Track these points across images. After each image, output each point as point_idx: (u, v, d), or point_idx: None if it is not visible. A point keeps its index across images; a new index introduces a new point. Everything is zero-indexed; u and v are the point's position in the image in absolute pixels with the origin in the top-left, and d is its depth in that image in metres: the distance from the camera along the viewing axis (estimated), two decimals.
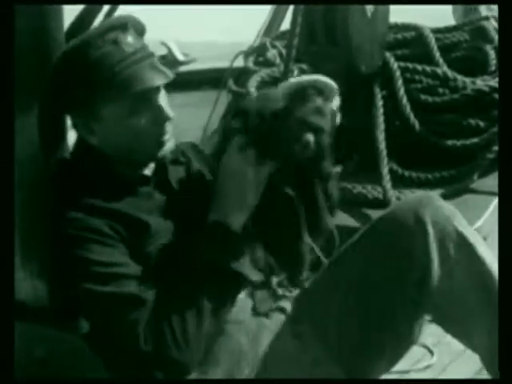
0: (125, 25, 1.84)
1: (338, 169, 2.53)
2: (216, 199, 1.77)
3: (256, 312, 1.87)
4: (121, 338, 1.72)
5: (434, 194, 1.91)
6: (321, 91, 1.80)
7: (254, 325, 1.86)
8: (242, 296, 1.88)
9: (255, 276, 1.84)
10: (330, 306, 1.91)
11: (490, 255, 1.83)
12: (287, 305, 1.93)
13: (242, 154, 1.74)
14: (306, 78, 1.82)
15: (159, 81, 1.83)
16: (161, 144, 1.85)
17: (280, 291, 1.93)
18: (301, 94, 1.77)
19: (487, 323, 1.81)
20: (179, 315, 1.70)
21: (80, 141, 1.89)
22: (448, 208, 1.87)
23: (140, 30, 1.88)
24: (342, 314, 1.90)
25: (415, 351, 2.48)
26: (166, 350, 1.69)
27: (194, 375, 1.78)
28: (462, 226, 1.84)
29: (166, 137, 1.85)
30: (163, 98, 1.86)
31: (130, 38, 1.83)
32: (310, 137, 1.74)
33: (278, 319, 1.90)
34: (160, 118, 1.84)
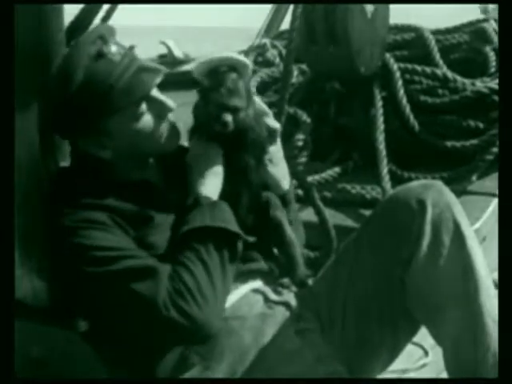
0: (103, 35, 1.83)
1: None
2: (191, 182, 1.88)
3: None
4: (139, 312, 1.74)
5: (439, 181, 1.93)
6: (233, 68, 1.87)
7: (257, 321, 1.87)
8: (246, 292, 1.90)
9: (235, 227, 1.86)
10: (334, 298, 1.94)
11: (477, 251, 1.85)
12: (291, 299, 1.95)
13: (199, 143, 1.91)
14: (217, 56, 1.88)
15: (156, 80, 1.86)
16: (174, 134, 1.90)
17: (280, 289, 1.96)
18: (214, 73, 1.86)
19: (457, 316, 1.82)
20: (192, 277, 1.75)
21: (84, 155, 1.88)
22: (450, 196, 1.90)
23: (113, 35, 1.87)
24: (346, 303, 1.93)
25: (414, 352, 2.50)
26: (188, 311, 1.72)
27: (197, 370, 1.80)
28: (459, 215, 1.87)
29: (171, 125, 1.90)
30: (157, 92, 1.88)
31: (113, 47, 1.83)
32: (228, 116, 1.85)
33: (283, 315, 1.91)
34: (163, 112, 1.88)
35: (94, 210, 1.79)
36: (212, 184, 1.87)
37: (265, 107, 1.98)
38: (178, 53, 4.58)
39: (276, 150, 2.00)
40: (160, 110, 1.87)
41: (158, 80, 1.86)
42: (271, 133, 1.97)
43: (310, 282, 2.02)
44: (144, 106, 1.85)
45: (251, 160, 1.93)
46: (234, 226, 1.83)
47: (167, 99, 1.88)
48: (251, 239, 1.94)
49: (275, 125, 1.97)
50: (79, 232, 1.76)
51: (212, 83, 1.86)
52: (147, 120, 1.86)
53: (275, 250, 2.00)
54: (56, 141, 1.96)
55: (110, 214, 1.79)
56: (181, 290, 1.73)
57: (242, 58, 1.89)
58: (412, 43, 3.59)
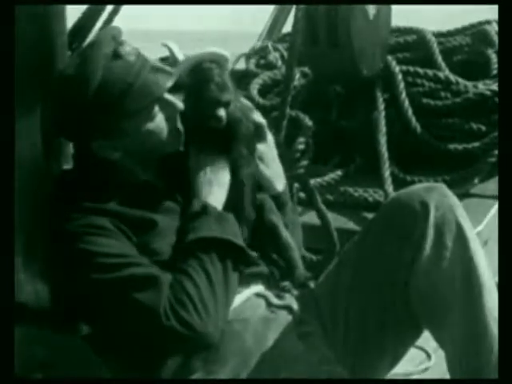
0: (115, 36, 1.84)
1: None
2: (197, 189, 1.87)
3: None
4: (140, 321, 1.74)
5: (442, 184, 1.93)
6: (215, 62, 1.88)
7: (260, 325, 1.87)
8: (249, 296, 1.90)
9: (241, 241, 1.85)
10: (336, 301, 1.95)
11: (480, 254, 1.85)
12: (293, 303, 1.95)
13: (204, 150, 1.89)
14: (198, 53, 1.91)
15: (169, 80, 1.86)
16: (177, 135, 1.90)
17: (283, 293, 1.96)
18: (198, 70, 1.87)
19: (460, 318, 1.82)
20: (194, 286, 1.74)
21: (92, 157, 1.87)
22: (453, 198, 1.90)
23: (122, 36, 1.88)
24: (348, 307, 1.93)
25: (416, 355, 2.49)
26: (189, 321, 1.72)
27: (200, 375, 1.79)
28: (462, 218, 1.87)
29: (179, 126, 1.89)
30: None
31: (127, 48, 1.83)
32: (222, 111, 1.86)
33: (285, 319, 1.91)
34: (173, 113, 1.88)
35: (97, 214, 1.78)
36: (219, 194, 1.87)
37: (248, 102, 1.98)
38: (180, 56, 4.57)
39: (266, 150, 1.98)
40: (170, 111, 1.87)
41: (171, 81, 1.86)
42: (257, 128, 1.96)
43: (312, 284, 2.01)
44: (157, 107, 1.85)
45: (241, 155, 1.92)
46: (240, 239, 1.83)
47: (176, 100, 1.88)
48: (254, 254, 1.93)
49: (261, 120, 1.97)
50: (82, 238, 1.76)
51: (198, 80, 1.86)
52: (160, 121, 1.86)
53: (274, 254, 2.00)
54: (59, 143, 1.95)
55: (113, 219, 1.78)
56: (182, 299, 1.73)
57: (222, 51, 1.90)
58: (414, 45, 3.58)
